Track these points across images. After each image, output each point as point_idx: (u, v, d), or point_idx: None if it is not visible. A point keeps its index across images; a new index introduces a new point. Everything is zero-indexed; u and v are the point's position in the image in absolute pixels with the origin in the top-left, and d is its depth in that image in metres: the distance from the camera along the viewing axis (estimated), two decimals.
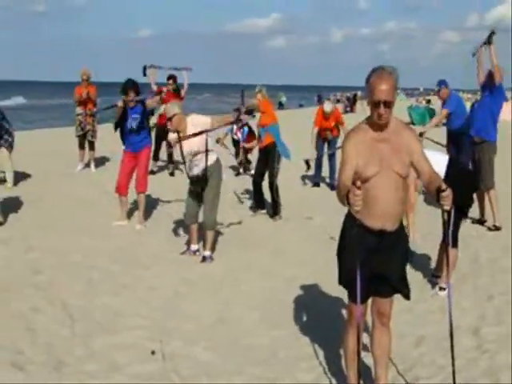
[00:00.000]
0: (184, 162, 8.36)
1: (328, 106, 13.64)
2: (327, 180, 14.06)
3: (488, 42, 9.85)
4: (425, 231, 8.73)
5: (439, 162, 6.69)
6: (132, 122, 9.66)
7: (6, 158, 12.05)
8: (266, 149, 10.70)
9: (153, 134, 11.49)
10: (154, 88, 14.23)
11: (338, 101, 55.56)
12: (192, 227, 8.52)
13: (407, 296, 4.55)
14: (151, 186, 10.44)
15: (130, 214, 10.29)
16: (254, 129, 13.70)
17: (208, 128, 8.16)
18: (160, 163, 15.22)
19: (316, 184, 14.02)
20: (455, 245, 6.85)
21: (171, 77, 14.42)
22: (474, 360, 5.30)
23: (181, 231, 9.49)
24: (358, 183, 3.90)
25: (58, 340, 5.70)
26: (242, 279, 7.65)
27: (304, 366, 5.38)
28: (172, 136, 8.32)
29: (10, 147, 12.02)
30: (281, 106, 50.80)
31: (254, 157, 13.06)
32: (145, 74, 14.01)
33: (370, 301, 4.52)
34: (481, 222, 9.95)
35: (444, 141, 11.22)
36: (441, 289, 6.91)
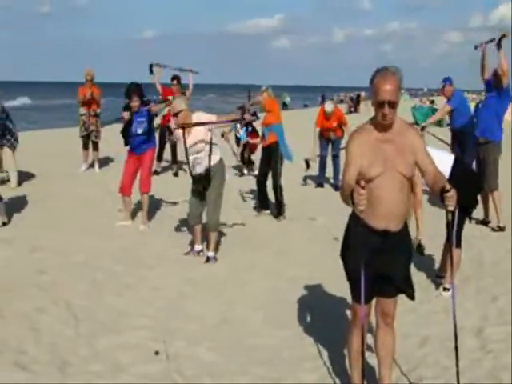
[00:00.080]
0: (187, 161, 8.35)
1: (329, 106, 13.62)
2: (331, 180, 14.05)
3: (498, 45, 9.81)
4: (429, 231, 8.70)
5: (443, 160, 6.68)
6: (137, 126, 9.68)
7: (10, 157, 12.07)
8: (269, 148, 10.70)
9: (156, 134, 11.48)
10: (158, 87, 14.25)
11: (342, 101, 55.51)
12: (196, 228, 8.52)
13: (412, 296, 4.54)
14: (155, 186, 10.45)
15: (133, 215, 10.30)
16: (258, 129, 13.71)
17: (213, 127, 8.18)
18: (164, 164, 15.23)
19: (320, 184, 14.00)
20: (459, 245, 6.85)
21: (175, 77, 14.41)
22: (478, 360, 5.29)
23: (184, 231, 9.49)
24: (362, 182, 3.90)
25: (62, 340, 5.71)
26: (245, 279, 7.66)
27: (308, 366, 5.38)
28: (177, 131, 8.32)
29: (13, 147, 12.05)
30: (285, 106, 50.77)
31: (257, 157, 13.03)
32: (151, 72, 14.04)
33: (374, 301, 4.52)
34: (485, 222, 9.93)
35: (448, 141, 11.21)
36: (445, 289, 6.90)
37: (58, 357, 5.35)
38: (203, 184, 8.23)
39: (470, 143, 10.49)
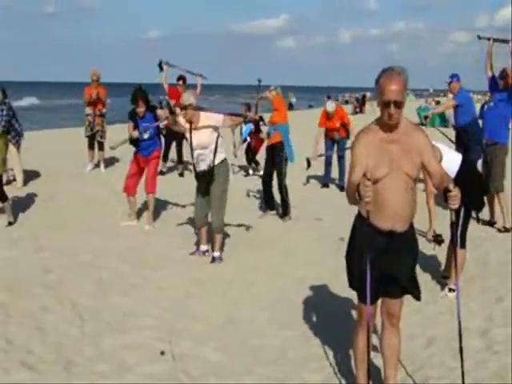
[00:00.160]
0: (192, 156, 8.37)
1: (330, 106, 13.57)
2: (336, 181, 14.02)
3: None
4: (436, 230, 8.70)
5: (454, 160, 6.72)
6: (142, 131, 9.69)
7: (15, 155, 12.08)
8: (273, 148, 10.69)
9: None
10: (165, 87, 14.27)
11: (347, 102, 55.40)
12: (201, 228, 8.54)
13: (417, 297, 4.54)
14: (160, 186, 10.46)
15: (138, 215, 10.32)
16: (263, 128, 13.72)
17: (220, 125, 8.22)
18: (169, 164, 15.23)
19: (325, 185, 13.98)
20: (463, 246, 6.84)
21: (181, 77, 14.42)
22: (483, 361, 5.27)
23: (190, 232, 9.50)
24: (369, 174, 3.92)
25: (68, 340, 5.72)
26: (251, 280, 7.66)
27: (313, 366, 5.38)
28: (182, 121, 8.35)
29: (17, 145, 12.08)
30: (290, 106, 50.67)
31: (261, 157, 13.02)
32: (161, 69, 14.07)
33: (379, 302, 4.52)
34: (491, 223, 9.91)
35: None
36: (450, 290, 6.89)
37: (64, 357, 5.37)
38: (207, 181, 8.23)
39: (473, 143, 10.49)
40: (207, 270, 8.00)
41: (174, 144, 14.51)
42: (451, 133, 11.71)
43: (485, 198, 7.36)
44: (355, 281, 4.43)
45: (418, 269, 4.71)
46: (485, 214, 9.59)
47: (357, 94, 56.00)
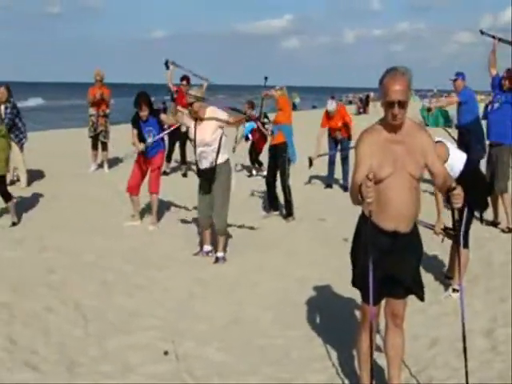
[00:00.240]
0: (195, 152, 8.41)
1: (330, 105, 13.53)
2: (340, 181, 14.00)
3: None
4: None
5: (460, 159, 6.73)
6: (146, 135, 9.72)
7: (18, 154, 12.07)
8: (276, 147, 10.69)
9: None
10: (171, 86, 14.28)
11: (351, 102, 55.35)
12: (205, 229, 8.55)
13: (421, 297, 4.54)
14: (164, 186, 10.47)
15: (142, 215, 10.33)
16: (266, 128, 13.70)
17: (224, 118, 8.27)
18: (173, 164, 15.24)
19: (329, 185, 13.96)
20: (466, 246, 6.84)
21: (185, 77, 14.43)
22: (488, 362, 5.27)
23: (193, 232, 9.50)
24: (371, 175, 3.92)
25: (72, 340, 5.73)
26: (255, 280, 7.66)
27: (317, 366, 5.38)
28: (185, 112, 8.41)
29: (20, 144, 12.10)
30: (294, 107, 50.57)
31: (264, 158, 13.00)
32: (167, 67, 14.10)
33: (383, 302, 4.52)
34: (494, 224, 9.90)
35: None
36: (454, 290, 6.88)
37: (67, 357, 5.38)
38: (209, 178, 8.25)
39: (474, 142, 10.49)
40: (211, 270, 8.01)
41: (177, 144, 14.52)
42: (454, 132, 11.73)
43: (488, 199, 7.35)
44: (358, 281, 4.43)
45: (421, 269, 4.70)
46: (489, 214, 9.59)
47: (360, 95, 55.94)
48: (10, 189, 9.95)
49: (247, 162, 15.67)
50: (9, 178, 11.36)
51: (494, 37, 10.72)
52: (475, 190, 6.15)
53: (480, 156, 10.29)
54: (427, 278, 7.09)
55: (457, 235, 5.75)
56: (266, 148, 13.12)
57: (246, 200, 12.07)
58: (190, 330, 6.08)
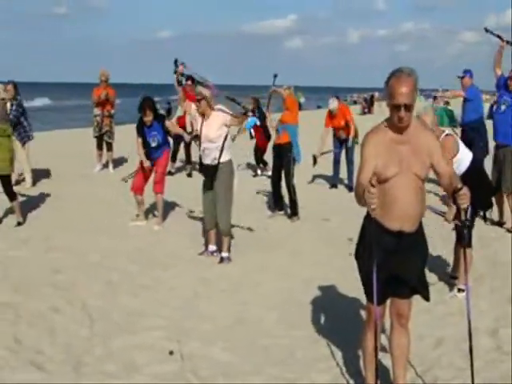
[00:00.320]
0: (199, 148, 8.47)
1: (332, 104, 13.53)
2: (345, 181, 14.00)
3: None
4: (441, 231, 8.70)
5: (467, 156, 6.74)
6: (150, 140, 9.75)
7: (21, 152, 12.08)
8: (281, 147, 10.69)
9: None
10: (177, 86, 14.28)
11: (355, 102, 55.29)
12: (210, 230, 8.56)
13: (426, 297, 4.53)
14: (169, 186, 10.47)
15: (147, 215, 10.34)
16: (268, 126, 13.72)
17: (227, 123, 8.28)
18: (178, 164, 15.25)
19: (334, 185, 13.96)
20: (469, 245, 6.83)
21: (190, 77, 14.43)
22: (493, 362, 5.27)
23: (198, 232, 9.50)
24: (373, 180, 3.91)
25: (77, 340, 5.74)
26: (259, 280, 7.66)
27: (321, 366, 5.38)
28: (193, 107, 8.47)
29: (23, 142, 12.12)
30: (299, 107, 50.39)
31: (269, 157, 13.00)
32: (177, 66, 14.13)
33: (388, 302, 4.51)
34: (500, 223, 9.90)
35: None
36: (459, 290, 6.88)
37: (73, 356, 5.38)
38: (211, 175, 8.28)
39: (478, 141, 10.48)
40: (216, 270, 8.01)
41: (182, 144, 14.53)
42: (459, 131, 11.73)
43: (493, 198, 7.34)
44: (364, 280, 4.42)
45: (426, 269, 4.70)
46: (494, 214, 9.59)
47: (365, 95, 55.88)
48: (15, 189, 9.97)
49: (252, 162, 15.67)
50: (14, 177, 11.39)
51: (499, 37, 10.69)
52: (479, 190, 6.14)
53: (483, 154, 10.27)
54: (432, 278, 7.10)
55: (461, 235, 5.74)
56: (270, 147, 13.12)
57: (251, 200, 12.08)
58: (195, 330, 6.08)
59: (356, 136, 13.55)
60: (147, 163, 9.75)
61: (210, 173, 8.29)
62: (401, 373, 4.60)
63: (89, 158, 15.20)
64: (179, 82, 14.01)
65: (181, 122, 13.85)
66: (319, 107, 58.54)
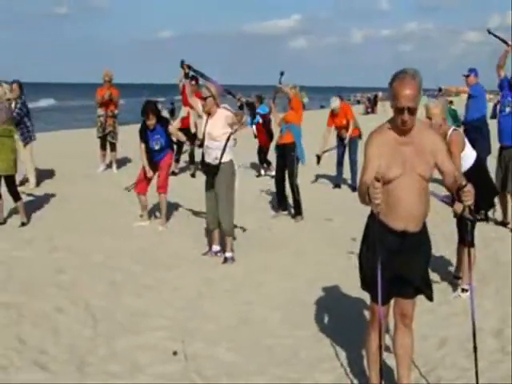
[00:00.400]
0: (202, 145, 8.49)
1: (334, 103, 13.52)
2: (348, 181, 14.00)
3: None
4: (444, 231, 8.69)
5: (472, 153, 6.73)
6: (153, 143, 9.77)
7: (23, 151, 12.08)
8: (284, 147, 10.68)
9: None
10: (180, 85, 14.27)
11: (359, 102, 55.27)
12: (214, 230, 8.57)
13: (430, 297, 4.53)
14: (172, 187, 10.49)
15: (151, 215, 10.35)
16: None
17: (230, 123, 8.30)
18: (181, 164, 15.26)
19: (337, 185, 13.96)
20: (472, 244, 6.81)
21: (194, 77, 14.42)
22: (497, 362, 5.25)
23: (202, 232, 9.50)
24: (379, 176, 3.90)
25: (81, 340, 5.74)
26: (263, 280, 7.66)
27: (325, 366, 5.37)
28: (199, 106, 8.54)
29: (25, 142, 12.13)
30: (303, 106, 50.40)
31: (273, 157, 12.99)
32: (182, 66, 14.14)
33: (392, 302, 4.51)
34: (503, 224, 9.89)
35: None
36: (463, 290, 6.87)
37: (77, 356, 5.39)
38: (212, 173, 8.29)
39: (480, 140, 10.48)
40: (220, 270, 8.02)
41: (185, 145, 14.52)
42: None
43: (495, 199, 7.33)
44: (367, 280, 4.41)
45: (430, 268, 4.70)
46: (497, 214, 9.58)
47: (368, 94, 55.86)
48: (19, 189, 9.99)
49: (256, 162, 15.67)
50: (18, 178, 11.40)
51: (504, 41, 10.64)
52: (482, 190, 6.13)
53: (486, 153, 10.26)
54: (436, 278, 7.09)
55: (464, 235, 5.73)
56: (273, 147, 13.11)
57: (255, 200, 12.08)
58: (199, 330, 6.08)
59: (360, 136, 13.54)
60: (150, 173, 9.79)
61: (211, 172, 8.30)
62: (405, 373, 4.60)
63: (92, 159, 15.21)
64: (186, 75, 14.05)
65: (185, 123, 13.88)
66: (322, 107, 58.52)
